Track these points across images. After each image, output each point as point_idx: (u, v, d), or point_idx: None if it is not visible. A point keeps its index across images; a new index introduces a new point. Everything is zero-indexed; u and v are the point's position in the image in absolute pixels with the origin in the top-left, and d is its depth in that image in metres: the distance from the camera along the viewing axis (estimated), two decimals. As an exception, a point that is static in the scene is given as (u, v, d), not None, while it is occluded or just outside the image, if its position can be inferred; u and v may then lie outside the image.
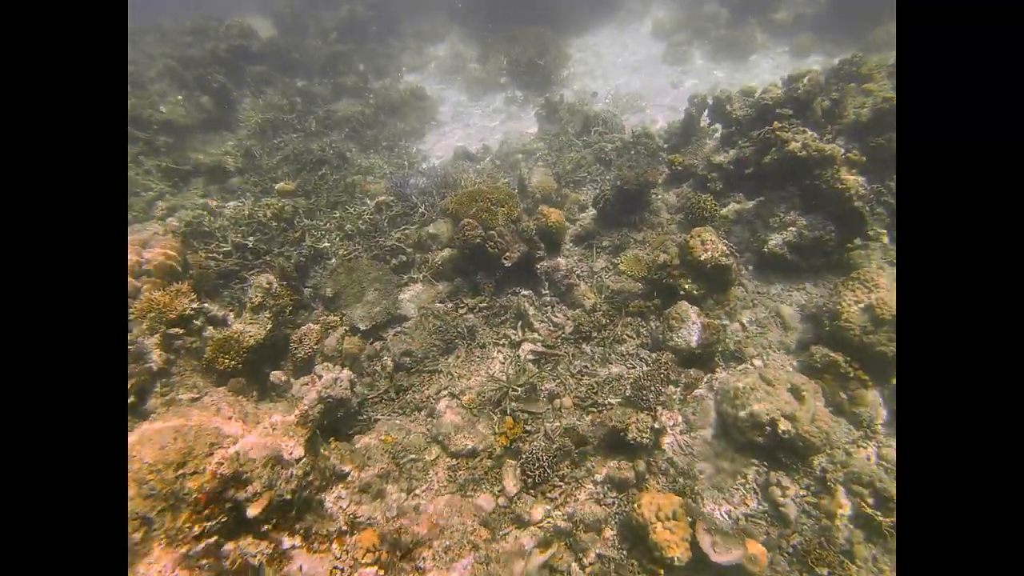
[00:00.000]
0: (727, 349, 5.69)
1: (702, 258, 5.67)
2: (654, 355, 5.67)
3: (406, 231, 7.87)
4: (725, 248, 5.73)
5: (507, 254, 6.37)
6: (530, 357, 5.96)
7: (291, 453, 3.85)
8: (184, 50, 12.35)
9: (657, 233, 7.23)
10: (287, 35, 15.01)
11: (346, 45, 14.44)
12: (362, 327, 6.38)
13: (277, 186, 8.10)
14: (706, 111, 8.20)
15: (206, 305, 5.10)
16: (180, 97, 9.94)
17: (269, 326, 4.89)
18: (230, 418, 3.61)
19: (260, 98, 11.37)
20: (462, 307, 6.72)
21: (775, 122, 6.62)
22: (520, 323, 6.37)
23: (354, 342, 5.98)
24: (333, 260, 7.19)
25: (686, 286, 5.85)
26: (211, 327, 5.00)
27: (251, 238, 6.80)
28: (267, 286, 4.96)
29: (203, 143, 9.72)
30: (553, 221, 6.50)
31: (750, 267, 6.51)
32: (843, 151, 6.01)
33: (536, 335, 6.20)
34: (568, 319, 6.44)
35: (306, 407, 4.03)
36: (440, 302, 6.86)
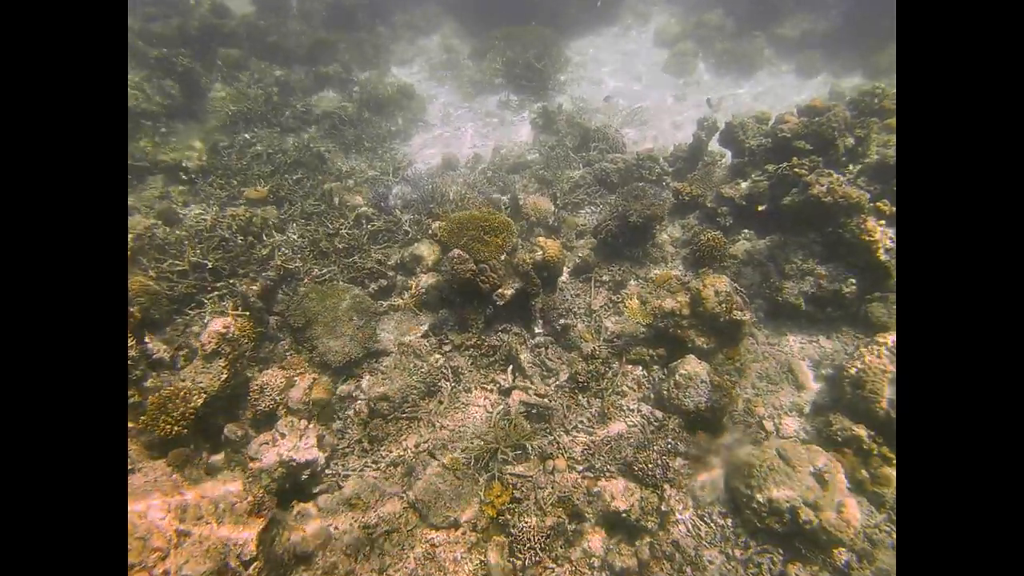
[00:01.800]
0: (736, 409, 5.24)
1: (715, 311, 5.16)
2: (659, 415, 5.17)
3: (388, 250, 7.18)
4: (740, 300, 5.24)
5: (500, 291, 5.77)
6: (521, 409, 5.39)
7: (240, 554, 3.20)
8: (146, 23, 11.25)
9: (661, 269, 6.71)
10: (267, 14, 13.93)
11: (331, 31, 13.46)
12: (334, 365, 5.72)
13: (246, 192, 7.30)
14: (716, 136, 7.69)
15: (149, 345, 4.36)
16: (137, 79, 8.95)
17: (224, 376, 4.19)
18: (164, 517, 2.95)
19: (232, 85, 10.41)
20: (447, 343, 6.11)
21: (794, 158, 6.13)
22: (511, 367, 5.79)
23: (324, 385, 5.31)
24: (305, 282, 6.46)
25: (695, 339, 5.34)
26: (154, 373, 4.27)
27: (212, 255, 6.02)
28: (223, 331, 4.25)
29: (165, 135, 8.78)
30: (551, 255, 5.91)
31: (760, 314, 6.05)
32: (869, 197, 5.55)
33: (528, 383, 5.63)
34: (563, 363, 5.89)
35: (261, 494, 3.38)
36: (423, 336, 6.22)
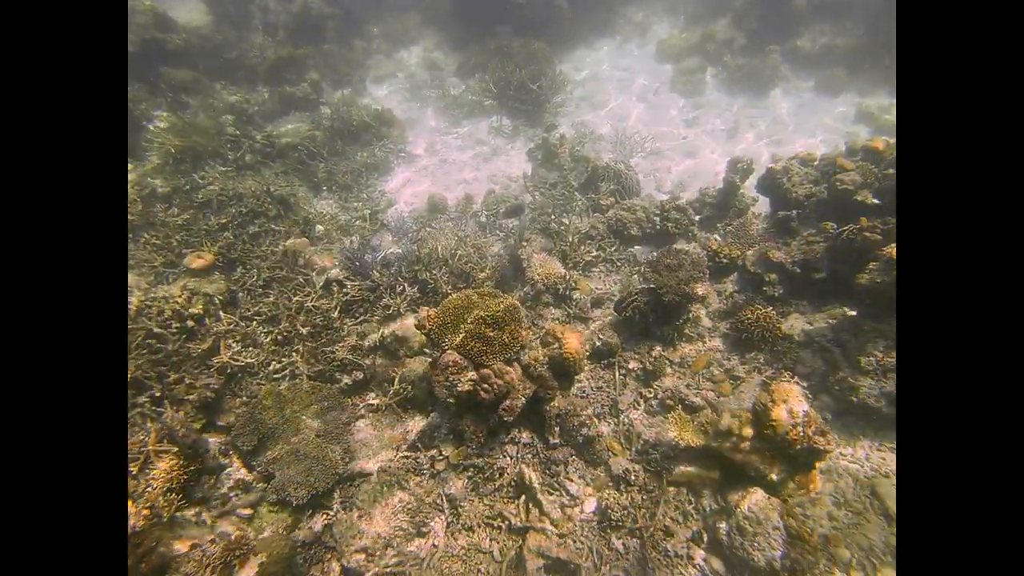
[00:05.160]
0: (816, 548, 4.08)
1: (788, 436, 3.99)
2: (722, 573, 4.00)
3: (364, 326, 5.91)
4: (820, 420, 4.08)
5: (507, 404, 4.53)
6: (539, 565, 4.17)
7: None
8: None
9: (697, 350, 5.55)
10: (224, 26, 12.46)
11: (299, 45, 12.05)
12: (296, 502, 4.43)
13: (187, 259, 5.93)
14: (751, 179, 6.56)
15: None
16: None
17: (123, 590, 2.89)
18: None
19: (180, 114, 8.97)
20: (439, 460, 4.86)
21: (863, 218, 5.02)
22: (523, 497, 4.57)
23: (281, 537, 4.00)
24: (260, 383, 5.15)
25: (760, 468, 4.17)
26: None
27: (135, 358, 4.68)
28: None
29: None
30: (570, 352, 4.69)
31: (827, 415, 4.91)
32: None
33: (546, 521, 4.41)
34: (588, 484, 4.70)
35: None
36: (408, 449, 4.97)
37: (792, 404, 4.06)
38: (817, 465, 4.33)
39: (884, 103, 9.63)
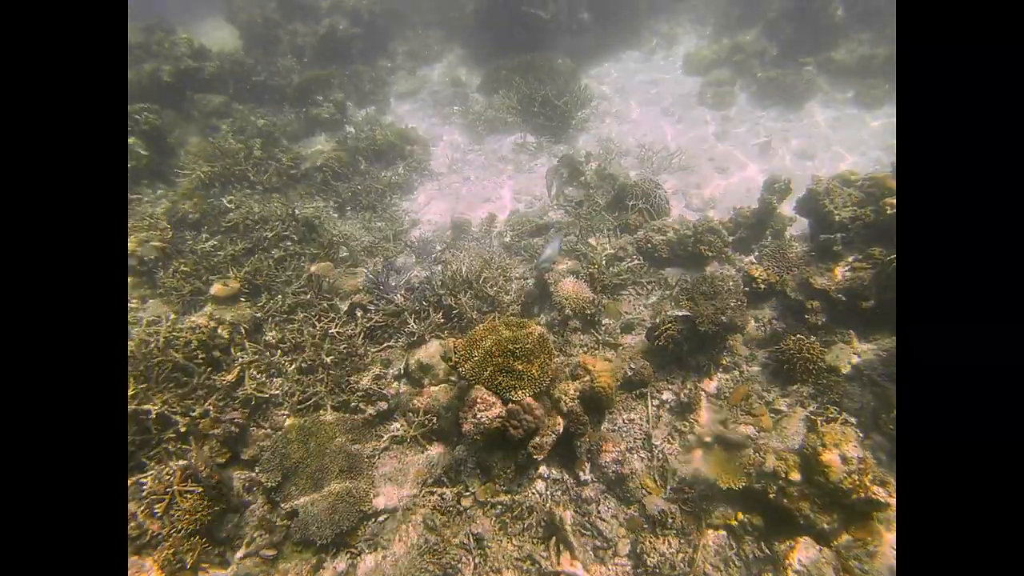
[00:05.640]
0: (875, 615, 3.77)
1: (843, 485, 3.70)
2: (770, 637, 3.71)
3: (387, 355, 5.80)
4: (876, 467, 3.77)
5: (537, 441, 4.35)
6: (573, 616, 3.95)
7: None
8: (120, 70, 10.03)
9: (734, 380, 5.27)
10: (255, 49, 12.74)
11: (324, 66, 12.23)
12: (320, 542, 4.32)
13: (213, 289, 5.94)
14: (789, 200, 6.27)
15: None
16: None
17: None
18: None
19: (210, 137, 9.13)
20: (466, 496, 4.70)
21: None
22: (553, 538, 4.36)
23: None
24: (284, 414, 5.08)
25: (811, 515, 3.88)
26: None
27: (160, 393, 4.66)
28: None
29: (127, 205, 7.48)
30: (602, 384, 4.50)
31: (881, 455, 4.58)
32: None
33: (579, 565, 4.19)
34: (621, 524, 4.46)
35: None
36: (434, 483, 4.82)
37: (845, 449, 3.77)
38: (875, 515, 4.02)
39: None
